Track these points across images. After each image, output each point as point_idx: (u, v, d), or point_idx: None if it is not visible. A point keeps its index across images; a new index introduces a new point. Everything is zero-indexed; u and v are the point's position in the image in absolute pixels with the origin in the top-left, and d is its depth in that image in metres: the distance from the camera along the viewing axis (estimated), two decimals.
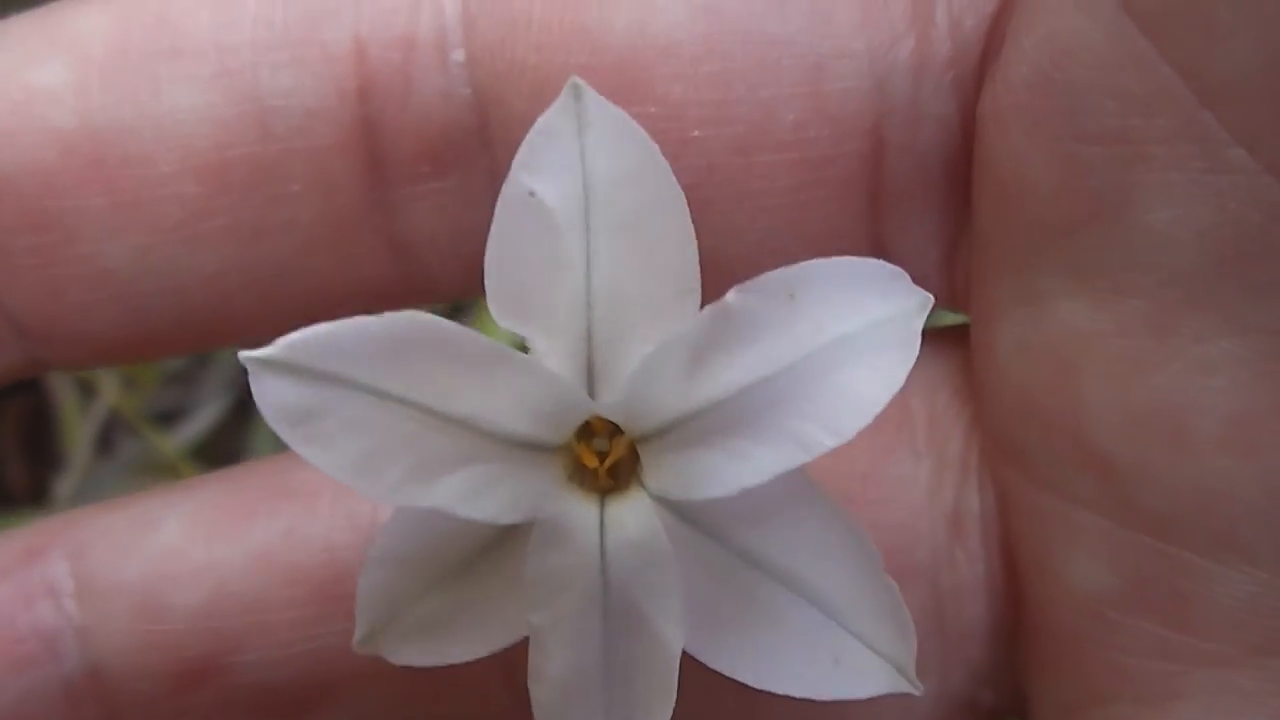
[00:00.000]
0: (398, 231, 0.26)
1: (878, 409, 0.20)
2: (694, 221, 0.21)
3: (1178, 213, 0.21)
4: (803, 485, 0.21)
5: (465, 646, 0.22)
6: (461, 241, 0.26)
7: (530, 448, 0.21)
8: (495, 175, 0.24)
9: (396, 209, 0.26)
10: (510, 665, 0.25)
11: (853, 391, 0.20)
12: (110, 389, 0.57)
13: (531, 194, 0.20)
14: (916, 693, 0.22)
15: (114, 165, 0.25)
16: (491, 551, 0.22)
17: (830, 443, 0.20)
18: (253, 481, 0.28)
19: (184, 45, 0.25)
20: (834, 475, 0.24)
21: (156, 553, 0.27)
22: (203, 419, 0.57)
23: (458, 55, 0.25)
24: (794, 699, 0.25)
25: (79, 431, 0.58)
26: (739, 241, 0.24)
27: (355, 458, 0.20)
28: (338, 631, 0.26)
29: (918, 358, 0.26)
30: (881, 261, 0.20)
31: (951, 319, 0.27)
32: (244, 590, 0.27)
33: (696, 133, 0.24)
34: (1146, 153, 0.21)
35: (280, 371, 0.20)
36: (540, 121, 0.20)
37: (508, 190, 0.20)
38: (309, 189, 0.25)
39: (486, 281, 0.21)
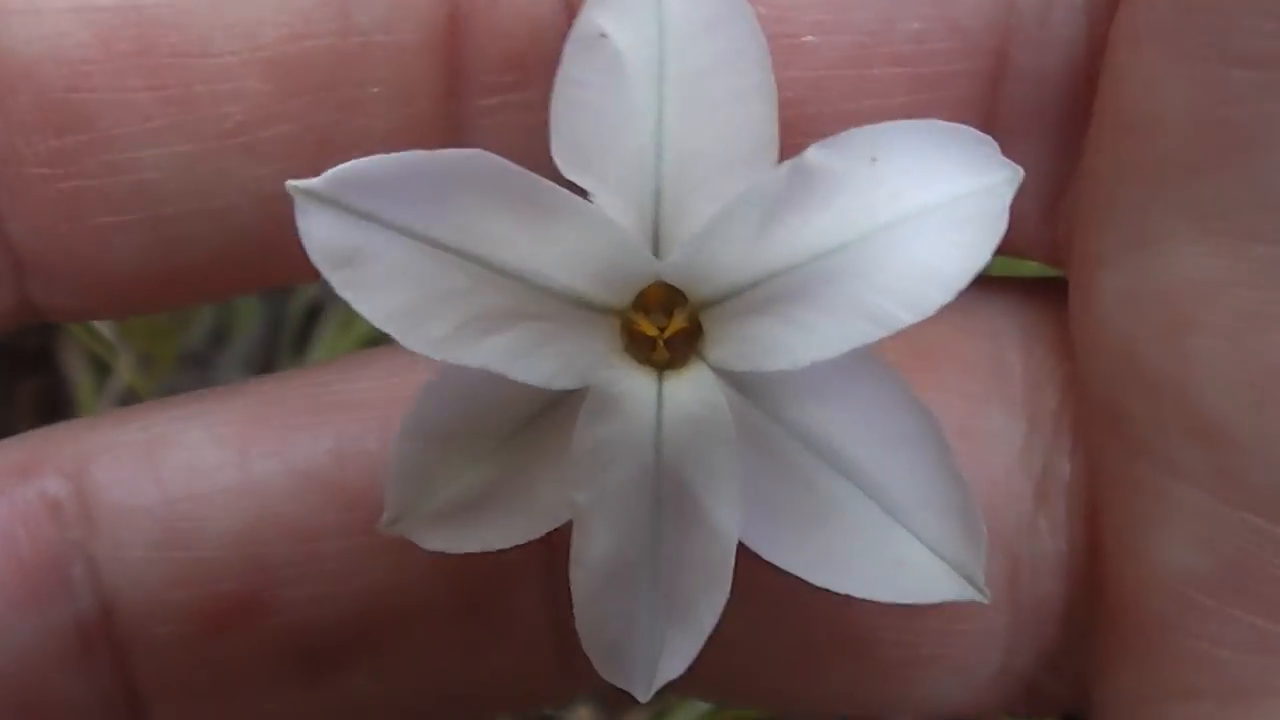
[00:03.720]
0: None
1: (960, 285, 0.19)
2: (795, 140, 0.20)
3: None
4: (874, 367, 0.20)
5: (500, 531, 0.21)
6: (537, 165, 0.22)
7: (587, 308, 0.20)
8: None
9: (470, 124, 0.23)
10: (560, 625, 0.24)
11: (933, 266, 0.19)
12: (126, 368, 0.56)
13: (602, 35, 0.19)
14: (985, 601, 0.20)
15: (164, 53, 0.22)
16: (534, 427, 0.21)
17: (907, 319, 0.19)
18: (288, 392, 0.24)
19: None
20: None
21: (180, 469, 0.24)
22: None
23: None
24: (853, 622, 0.23)
25: (94, 411, 0.57)
26: None
27: (400, 307, 0.19)
28: (390, 566, 0.24)
29: (1014, 307, 0.24)
30: (970, 128, 0.19)
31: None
32: (290, 514, 0.23)
33: (809, 38, 0.22)
34: None
35: (326, 206, 0.19)
36: None
37: (578, 30, 0.19)
38: (387, 93, 0.22)
39: (551, 128, 0.20)
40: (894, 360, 0.21)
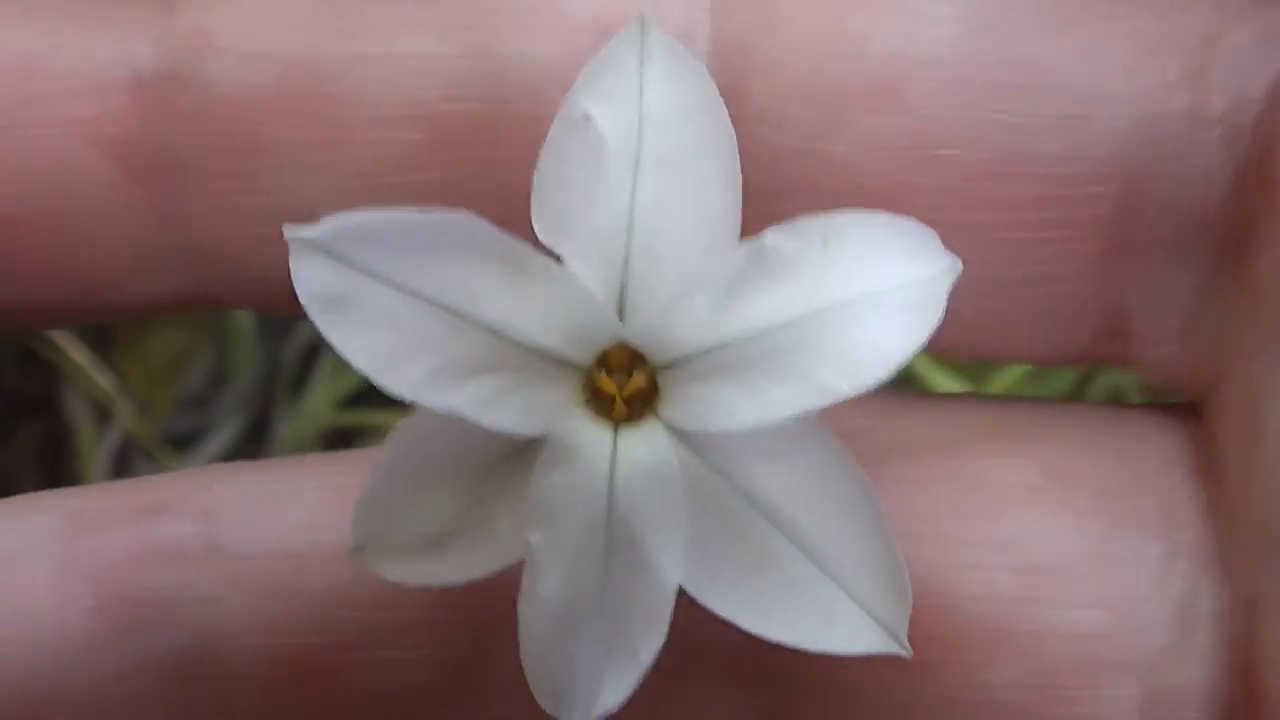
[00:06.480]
0: None
1: (896, 362, 0.21)
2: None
3: None
4: (820, 437, 0.22)
5: (458, 567, 0.22)
6: None
7: (554, 363, 0.21)
8: None
9: None
10: None
11: (874, 344, 0.21)
12: (125, 412, 0.57)
13: (587, 117, 0.21)
14: (905, 655, 0.22)
15: (333, 100, 0.24)
16: (499, 468, 0.22)
17: (846, 390, 0.21)
18: None
19: None
20: (1065, 546, 0.23)
21: (296, 526, 0.25)
22: (218, 442, 0.57)
23: (701, 44, 0.24)
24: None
25: (95, 455, 0.58)
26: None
27: (379, 351, 0.21)
28: (466, 644, 0.25)
29: (1148, 432, 0.25)
30: (914, 221, 0.21)
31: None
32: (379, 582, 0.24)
33: (948, 150, 0.23)
34: None
35: (320, 254, 0.20)
36: (603, 50, 0.21)
37: (565, 111, 0.21)
38: (526, 154, 0.23)
39: (533, 196, 0.21)
40: (1021, 480, 0.22)
